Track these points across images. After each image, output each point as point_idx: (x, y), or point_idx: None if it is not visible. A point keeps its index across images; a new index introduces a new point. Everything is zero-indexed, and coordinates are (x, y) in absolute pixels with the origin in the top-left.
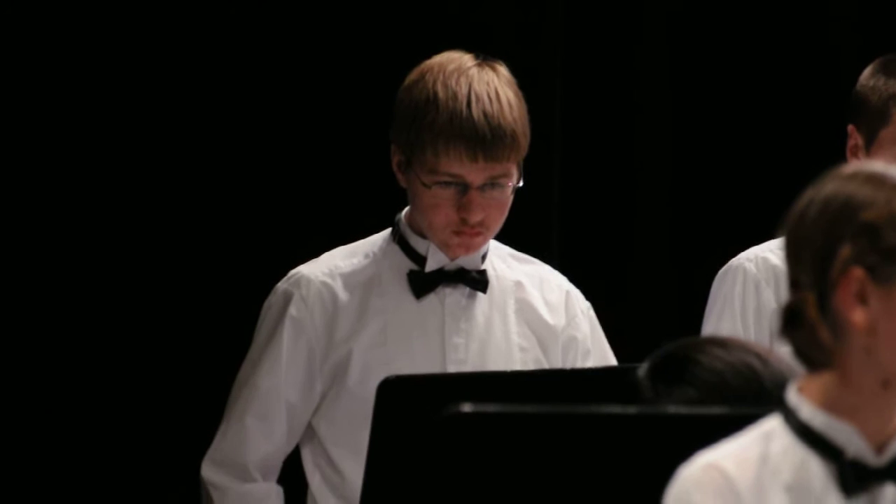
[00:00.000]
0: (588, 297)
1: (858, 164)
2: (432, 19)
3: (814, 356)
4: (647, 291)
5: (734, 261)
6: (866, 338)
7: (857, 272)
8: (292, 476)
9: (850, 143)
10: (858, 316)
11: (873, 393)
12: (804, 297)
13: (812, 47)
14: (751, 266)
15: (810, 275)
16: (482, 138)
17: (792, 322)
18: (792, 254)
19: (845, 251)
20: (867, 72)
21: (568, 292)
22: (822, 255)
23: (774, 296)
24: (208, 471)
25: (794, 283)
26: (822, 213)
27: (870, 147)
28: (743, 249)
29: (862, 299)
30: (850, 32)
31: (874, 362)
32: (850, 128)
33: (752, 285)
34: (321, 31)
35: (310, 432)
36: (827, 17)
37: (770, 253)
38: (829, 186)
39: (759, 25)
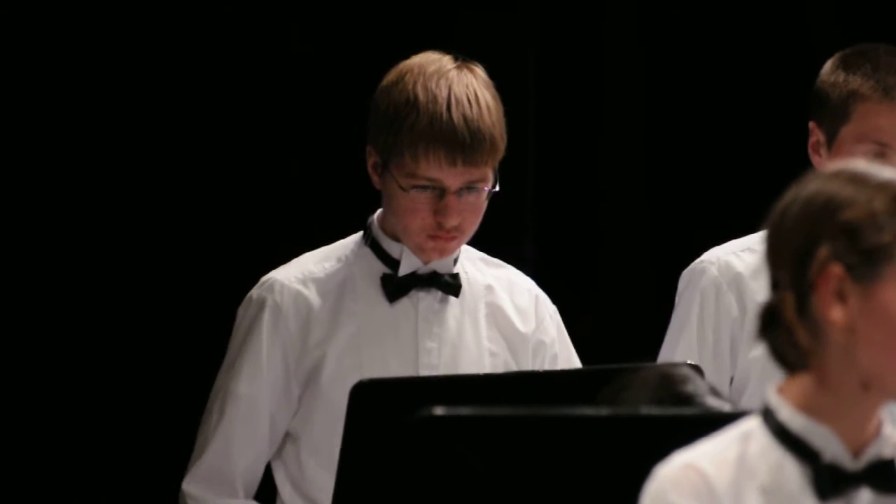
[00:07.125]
0: (561, 300)
1: (842, 163)
2: (404, 20)
3: (791, 358)
4: (621, 295)
5: (696, 263)
6: (845, 337)
7: (836, 270)
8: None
9: (812, 139)
10: (837, 314)
11: (852, 395)
12: (783, 297)
13: (788, 44)
14: (713, 269)
15: (789, 274)
16: (462, 143)
17: (770, 323)
18: (772, 253)
19: (824, 251)
20: (827, 67)
21: (537, 297)
22: (802, 254)
23: (736, 301)
24: (192, 486)
25: (774, 283)
26: (802, 213)
27: (831, 144)
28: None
29: (841, 297)
30: (827, 27)
31: (852, 363)
32: (812, 124)
33: (712, 290)
34: (289, 35)
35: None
36: (804, 10)
37: (733, 256)
38: (812, 185)
39: (733, 22)
